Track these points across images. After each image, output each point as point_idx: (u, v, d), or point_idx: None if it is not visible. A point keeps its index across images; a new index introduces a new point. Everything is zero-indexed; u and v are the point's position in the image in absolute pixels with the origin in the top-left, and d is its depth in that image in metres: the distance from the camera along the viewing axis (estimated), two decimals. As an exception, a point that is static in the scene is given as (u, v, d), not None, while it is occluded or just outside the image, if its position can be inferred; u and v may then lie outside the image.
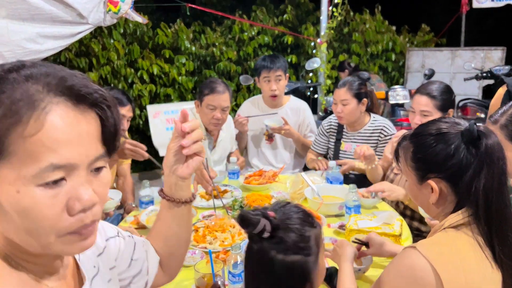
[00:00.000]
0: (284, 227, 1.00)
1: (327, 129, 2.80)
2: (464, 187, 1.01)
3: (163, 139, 4.86)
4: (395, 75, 7.07)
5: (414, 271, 0.96)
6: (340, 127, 2.74)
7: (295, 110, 3.03)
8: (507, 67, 4.56)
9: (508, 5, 6.17)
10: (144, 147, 2.13)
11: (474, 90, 6.15)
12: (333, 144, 2.76)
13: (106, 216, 2.20)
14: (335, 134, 2.77)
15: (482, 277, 0.95)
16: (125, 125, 2.44)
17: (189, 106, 5.10)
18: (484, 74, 4.72)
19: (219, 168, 2.78)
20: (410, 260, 0.98)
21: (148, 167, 5.59)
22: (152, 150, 5.23)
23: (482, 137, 1.01)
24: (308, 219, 1.05)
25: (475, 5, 6.42)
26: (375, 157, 2.29)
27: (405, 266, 0.98)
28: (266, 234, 0.98)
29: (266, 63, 2.87)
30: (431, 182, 1.06)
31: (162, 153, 4.58)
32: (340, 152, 2.72)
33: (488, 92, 5.05)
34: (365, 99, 2.57)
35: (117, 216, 2.30)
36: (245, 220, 1.00)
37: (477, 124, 1.02)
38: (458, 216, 1.02)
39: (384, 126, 2.61)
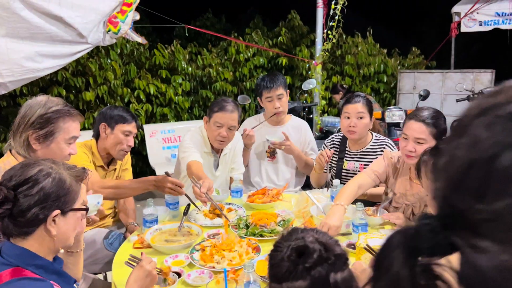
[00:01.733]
0: (330, 245, 0.95)
1: (330, 147, 2.80)
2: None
3: (159, 159, 4.84)
4: (387, 96, 7.19)
5: None
6: (342, 146, 2.74)
7: (297, 128, 3.05)
8: (498, 89, 4.66)
9: (495, 29, 6.38)
10: (183, 184, 2.10)
11: (465, 111, 6.26)
12: (335, 162, 2.75)
13: (92, 223, 2.16)
14: (337, 153, 2.76)
15: None
16: (131, 142, 2.43)
17: (185, 125, 5.13)
18: (476, 96, 4.83)
19: (221, 183, 2.76)
20: None
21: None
22: (148, 169, 5.20)
23: None
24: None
25: (464, 29, 6.63)
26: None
27: None
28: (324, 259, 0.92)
29: (266, 83, 2.90)
30: None
31: (159, 172, 4.54)
32: (343, 170, 2.72)
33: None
34: (373, 117, 2.62)
35: (118, 235, 2.25)
36: (306, 250, 0.93)
37: None
38: None
39: (386, 145, 2.63)
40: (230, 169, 2.85)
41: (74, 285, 1.32)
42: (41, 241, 1.19)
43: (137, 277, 1.42)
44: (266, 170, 3.04)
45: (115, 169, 2.54)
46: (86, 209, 1.32)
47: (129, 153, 2.55)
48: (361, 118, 2.55)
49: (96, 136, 2.44)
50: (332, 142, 2.82)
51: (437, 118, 2.05)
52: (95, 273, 2.25)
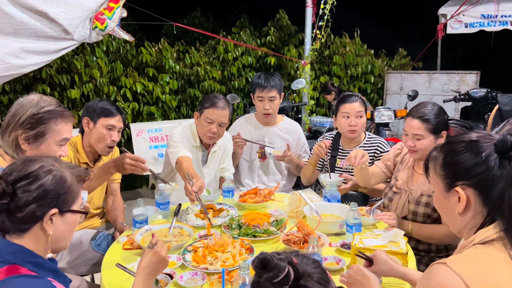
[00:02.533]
0: (307, 277, 0.87)
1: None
2: (495, 198, 0.99)
3: (146, 158, 4.71)
4: (374, 96, 7.24)
5: None
6: (335, 144, 2.74)
7: (290, 130, 3.03)
8: (484, 90, 4.73)
9: (480, 31, 6.47)
10: (144, 160, 2.05)
11: (451, 112, 6.35)
12: (328, 160, 2.75)
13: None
14: (330, 151, 2.76)
15: None
16: (116, 136, 2.33)
17: (173, 124, 5.05)
18: (462, 96, 4.89)
19: (209, 181, 2.72)
20: (441, 277, 0.94)
21: (129, 186, 5.45)
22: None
23: None
24: (325, 274, 0.92)
25: (449, 31, 6.72)
26: (367, 158, 2.28)
27: (437, 283, 0.94)
28: (288, 283, 0.84)
29: (260, 81, 2.85)
30: (459, 189, 1.04)
31: (145, 172, 4.46)
32: (336, 168, 2.72)
33: (466, 114, 5.20)
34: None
35: (106, 236, 2.18)
36: (268, 264, 0.85)
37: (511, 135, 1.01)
38: (489, 231, 0.98)
39: (379, 143, 2.66)
40: (220, 169, 2.81)
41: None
42: (37, 240, 1.16)
43: (150, 262, 1.39)
44: (256, 171, 3.01)
45: None
46: (85, 213, 1.28)
47: (116, 148, 2.48)
48: (360, 117, 2.60)
49: (82, 131, 2.36)
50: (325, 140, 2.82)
51: (435, 113, 2.11)
52: (82, 275, 2.19)
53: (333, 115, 2.75)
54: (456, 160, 1.05)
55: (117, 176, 2.57)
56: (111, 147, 2.35)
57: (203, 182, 2.12)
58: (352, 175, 2.63)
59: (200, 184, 2.08)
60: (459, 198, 1.05)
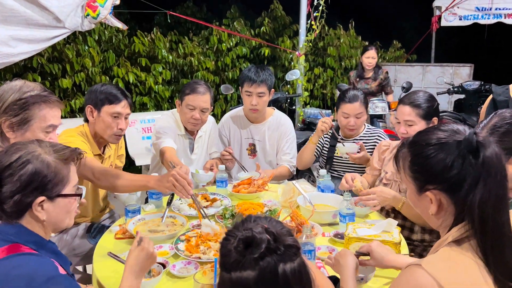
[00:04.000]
0: (281, 236, 0.93)
1: (324, 135, 2.78)
2: (461, 199, 0.98)
3: (138, 149, 4.72)
4: (368, 89, 7.23)
5: None
6: (335, 134, 2.75)
7: (277, 125, 2.90)
8: (477, 83, 4.75)
9: (474, 24, 6.48)
10: (191, 182, 1.86)
11: (444, 104, 6.37)
12: (326, 150, 2.76)
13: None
14: (329, 140, 2.77)
15: None
16: (123, 124, 2.18)
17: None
18: (456, 89, 4.91)
19: (199, 167, 2.66)
20: (415, 278, 0.94)
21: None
22: (127, 159, 5.08)
23: (481, 148, 0.97)
24: (289, 229, 1.00)
25: (444, 23, 6.72)
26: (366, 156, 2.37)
27: (411, 285, 0.95)
28: (267, 249, 0.91)
29: (250, 75, 2.69)
30: (430, 194, 1.03)
31: (138, 163, 4.44)
32: (335, 157, 2.73)
33: (459, 106, 5.22)
34: None
35: (101, 227, 2.15)
36: (253, 242, 0.91)
37: (477, 132, 0.99)
38: (460, 230, 0.98)
39: (379, 134, 2.69)
40: (209, 154, 2.79)
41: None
42: (33, 226, 1.17)
43: (138, 258, 1.36)
44: (246, 167, 2.95)
45: (110, 156, 2.35)
46: (79, 195, 1.26)
47: (123, 136, 2.39)
48: (360, 117, 2.60)
49: (86, 120, 2.22)
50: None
51: (425, 99, 2.14)
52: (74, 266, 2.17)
53: (335, 108, 2.75)
54: (424, 164, 1.04)
55: (123, 164, 2.52)
56: (120, 135, 2.22)
57: (187, 168, 2.03)
58: (350, 166, 2.68)
59: (185, 170, 2.02)
60: (431, 200, 1.04)
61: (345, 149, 2.53)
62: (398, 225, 1.76)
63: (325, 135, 2.80)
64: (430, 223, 1.12)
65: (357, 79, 5.04)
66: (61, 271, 1.13)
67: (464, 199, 0.98)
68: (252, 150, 2.93)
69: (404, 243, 1.77)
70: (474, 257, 0.95)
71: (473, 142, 0.97)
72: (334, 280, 1.50)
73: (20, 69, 4.45)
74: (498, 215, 0.96)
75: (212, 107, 2.66)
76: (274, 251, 0.91)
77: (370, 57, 4.97)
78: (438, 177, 1.01)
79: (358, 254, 1.51)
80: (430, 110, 2.15)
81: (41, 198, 1.14)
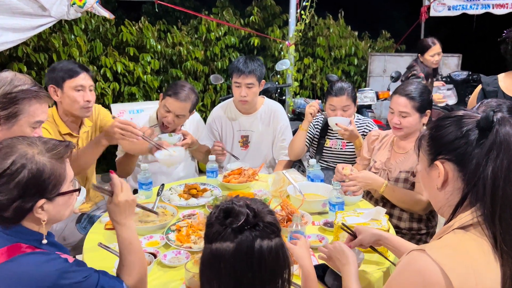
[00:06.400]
0: (261, 213, 1.00)
1: (315, 124, 2.84)
2: (470, 174, 0.99)
3: (128, 140, 4.68)
4: (357, 79, 7.24)
5: (423, 276, 0.92)
6: (325, 125, 2.77)
7: (269, 114, 2.91)
8: (465, 73, 4.79)
9: (463, 14, 6.51)
10: (135, 124, 1.93)
11: (432, 94, 6.41)
12: (316, 141, 2.79)
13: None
14: (319, 132, 2.81)
15: (493, 280, 0.92)
16: (89, 96, 2.17)
17: (154, 105, 4.96)
18: (444, 79, 4.94)
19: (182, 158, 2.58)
20: (418, 264, 0.94)
21: (111, 169, 5.37)
22: (115, 149, 5.03)
23: (497, 124, 0.99)
24: (270, 208, 1.07)
25: (433, 13, 6.74)
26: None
27: (414, 271, 0.94)
28: (248, 223, 0.97)
29: (239, 65, 2.67)
30: (438, 163, 1.05)
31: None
32: (325, 148, 2.77)
33: (447, 96, 5.26)
34: None
35: (91, 217, 2.14)
36: (232, 212, 0.99)
37: (495, 111, 1.01)
38: (468, 216, 0.99)
39: (368, 123, 2.74)
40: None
41: None
42: (33, 226, 1.16)
43: (119, 211, 1.29)
44: (238, 159, 2.94)
45: (87, 132, 2.33)
46: (77, 190, 1.23)
47: (101, 108, 2.42)
48: (346, 110, 2.59)
49: (54, 102, 2.21)
50: (316, 121, 2.87)
51: (421, 92, 2.15)
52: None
53: (324, 99, 2.76)
54: (439, 134, 1.06)
55: None
56: (89, 107, 2.21)
57: (153, 129, 2.13)
58: (341, 156, 2.77)
59: (151, 131, 2.07)
60: (439, 173, 1.05)
61: (336, 120, 2.52)
62: (386, 213, 1.78)
63: (316, 126, 2.81)
64: (435, 202, 1.12)
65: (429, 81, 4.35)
66: (70, 259, 1.13)
67: (474, 170, 0.99)
68: (245, 142, 2.93)
69: (392, 231, 1.80)
70: (481, 244, 0.95)
71: (490, 118, 0.99)
72: (324, 268, 1.53)
73: (6, 59, 4.37)
74: (509, 187, 0.97)
75: (193, 112, 2.63)
76: (253, 226, 0.97)
77: (435, 54, 4.32)
78: (449, 146, 1.03)
79: (346, 230, 1.55)
80: (425, 103, 2.16)
81: (42, 201, 1.12)
